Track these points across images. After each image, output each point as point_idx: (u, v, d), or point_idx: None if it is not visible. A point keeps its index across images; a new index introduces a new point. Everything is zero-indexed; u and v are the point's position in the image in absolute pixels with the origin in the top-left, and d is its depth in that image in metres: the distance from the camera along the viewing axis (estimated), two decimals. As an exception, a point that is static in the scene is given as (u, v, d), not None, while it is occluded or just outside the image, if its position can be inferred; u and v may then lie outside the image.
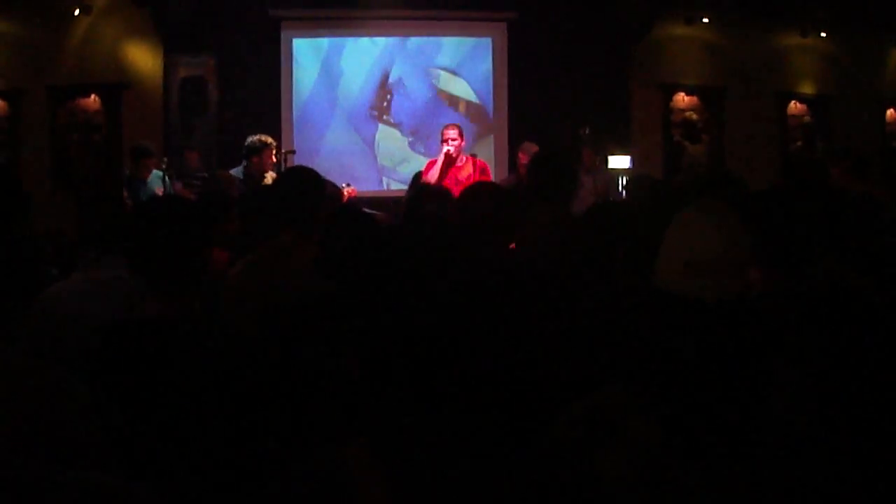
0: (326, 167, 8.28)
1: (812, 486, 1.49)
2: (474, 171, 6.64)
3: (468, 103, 9.63)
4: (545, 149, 6.66)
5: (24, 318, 1.95)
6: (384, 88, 9.54)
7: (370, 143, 9.56)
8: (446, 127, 6.81)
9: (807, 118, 10.81)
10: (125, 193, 6.57)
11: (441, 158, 6.57)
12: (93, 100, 9.13)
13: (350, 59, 9.46)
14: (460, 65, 9.64)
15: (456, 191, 6.39)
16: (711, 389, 1.50)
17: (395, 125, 9.57)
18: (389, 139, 9.58)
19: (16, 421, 1.78)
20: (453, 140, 6.57)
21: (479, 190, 3.46)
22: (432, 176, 6.55)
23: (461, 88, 9.64)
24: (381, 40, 9.53)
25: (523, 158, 7.36)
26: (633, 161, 8.87)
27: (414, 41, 9.58)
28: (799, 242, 2.14)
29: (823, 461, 1.55)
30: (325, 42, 9.43)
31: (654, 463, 1.48)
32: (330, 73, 9.44)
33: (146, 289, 2.17)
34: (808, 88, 10.91)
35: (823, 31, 10.41)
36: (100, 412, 1.86)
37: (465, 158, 6.71)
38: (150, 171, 6.87)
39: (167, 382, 1.95)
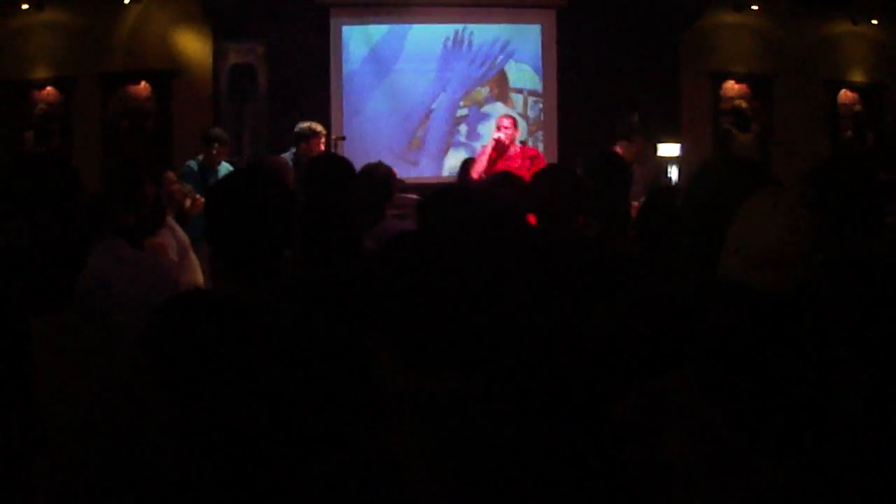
0: (377, 154, 8.27)
1: (877, 475, 1.48)
2: (524, 160, 6.60)
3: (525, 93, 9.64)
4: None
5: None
6: (437, 76, 9.52)
7: (422, 130, 9.54)
8: (501, 117, 6.85)
9: (857, 107, 10.65)
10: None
11: (491, 144, 6.55)
12: (143, 87, 9.19)
13: (400, 46, 9.43)
14: (515, 53, 9.62)
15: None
16: (774, 378, 1.50)
17: (448, 112, 9.55)
18: (442, 126, 9.56)
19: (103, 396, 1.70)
20: (506, 128, 6.56)
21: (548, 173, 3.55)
22: (481, 164, 6.54)
23: (518, 78, 9.65)
24: (433, 27, 9.50)
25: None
26: (682, 149, 8.79)
27: (467, 29, 9.54)
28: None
29: (887, 450, 1.52)
30: (373, 28, 9.43)
31: (719, 449, 1.48)
32: (379, 59, 9.43)
33: (224, 268, 1.97)
34: (858, 76, 10.75)
35: (874, 19, 10.26)
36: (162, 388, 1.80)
37: (517, 148, 6.70)
38: (221, 159, 6.94)
39: (229, 361, 1.83)
